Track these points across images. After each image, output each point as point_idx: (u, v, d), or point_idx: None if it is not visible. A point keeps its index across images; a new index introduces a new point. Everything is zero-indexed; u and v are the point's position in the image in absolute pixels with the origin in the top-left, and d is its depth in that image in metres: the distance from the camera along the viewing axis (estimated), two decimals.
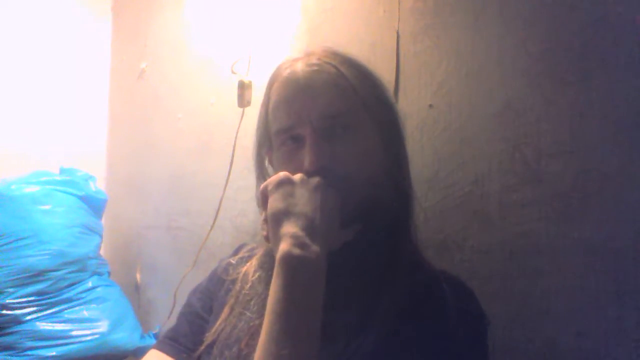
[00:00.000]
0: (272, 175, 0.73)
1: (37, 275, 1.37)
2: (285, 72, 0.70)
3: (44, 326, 1.33)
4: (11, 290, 1.34)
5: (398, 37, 0.92)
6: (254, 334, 0.65)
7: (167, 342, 0.79)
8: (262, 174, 0.76)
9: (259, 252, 0.75)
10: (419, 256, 0.74)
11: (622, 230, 0.64)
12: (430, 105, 0.86)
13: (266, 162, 0.76)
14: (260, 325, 0.59)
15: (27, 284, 1.36)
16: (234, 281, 0.77)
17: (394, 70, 0.91)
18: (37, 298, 1.36)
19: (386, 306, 0.62)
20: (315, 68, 0.68)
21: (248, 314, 0.69)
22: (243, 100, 1.25)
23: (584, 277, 0.67)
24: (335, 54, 0.71)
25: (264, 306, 0.60)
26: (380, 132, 0.69)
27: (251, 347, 0.64)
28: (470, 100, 0.81)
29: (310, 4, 1.12)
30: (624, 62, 0.65)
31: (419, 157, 0.85)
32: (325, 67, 0.68)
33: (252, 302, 0.70)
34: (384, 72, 0.77)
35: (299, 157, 0.66)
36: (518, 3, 0.76)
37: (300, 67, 0.69)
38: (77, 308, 1.40)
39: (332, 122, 0.66)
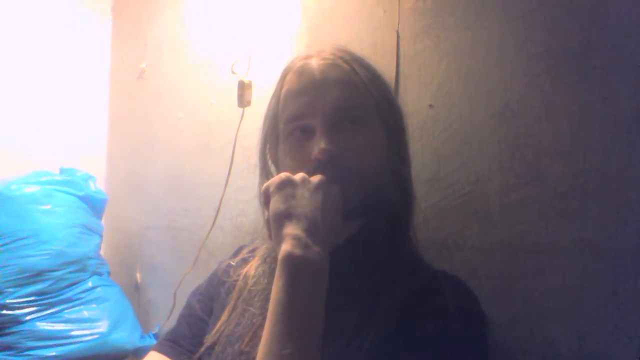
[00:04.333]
0: (275, 172, 0.74)
1: (37, 275, 1.37)
2: (300, 64, 0.71)
3: (44, 326, 1.33)
4: (11, 290, 1.34)
5: (398, 37, 0.92)
6: (257, 332, 0.65)
7: (167, 344, 0.79)
8: (265, 168, 0.76)
9: (261, 249, 0.75)
10: (419, 256, 0.74)
11: (622, 230, 0.64)
12: (430, 105, 0.86)
13: (269, 162, 0.76)
14: (262, 322, 0.59)
15: (27, 284, 1.35)
16: (234, 283, 0.77)
17: (394, 70, 0.91)
18: (37, 298, 1.35)
19: (387, 306, 0.62)
20: (330, 62, 0.70)
21: (252, 309, 0.69)
22: (243, 100, 1.25)
23: (584, 277, 0.67)
24: (348, 52, 0.73)
25: (267, 302, 0.60)
26: (387, 131, 0.71)
27: (252, 346, 0.64)
28: (470, 100, 0.81)
29: (310, 4, 1.12)
30: (624, 62, 0.65)
31: (419, 157, 0.85)
32: (339, 62, 0.70)
33: (255, 298, 0.70)
34: (384, 72, 0.77)
35: (306, 148, 0.67)
36: (518, 3, 0.76)
37: (314, 60, 0.71)
38: (77, 308, 1.40)
39: (343, 115, 0.67)
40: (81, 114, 1.94)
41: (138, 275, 1.70)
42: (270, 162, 0.76)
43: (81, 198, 1.56)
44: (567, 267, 0.69)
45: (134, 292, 1.69)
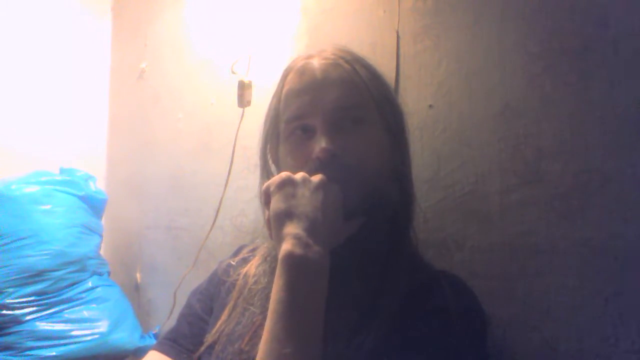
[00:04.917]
0: (275, 172, 0.74)
1: (37, 275, 1.36)
2: (301, 64, 0.72)
3: (44, 326, 1.33)
4: (11, 290, 1.33)
5: (398, 37, 0.92)
6: (257, 331, 0.65)
7: (167, 343, 0.79)
8: (266, 168, 0.77)
9: (262, 249, 0.76)
10: (419, 256, 0.74)
11: (622, 230, 0.64)
12: (430, 105, 0.86)
13: (269, 162, 0.76)
14: (263, 321, 0.59)
15: (27, 284, 1.35)
16: (234, 282, 0.77)
17: (394, 70, 0.91)
18: (37, 298, 1.35)
19: (387, 305, 0.62)
20: (331, 62, 0.70)
21: (252, 308, 0.70)
22: (243, 100, 1.25)
23: (584, 277, 0.67)
24: (349, 52, 0.73)
25: (267, 301, 0.60)
26: (387, 131, 0.71)
27: (252, 345, 0.64)
28: (470, 101, 0.81)
29: (310, 4, 1.12)
30: (624, 62, 0.65)
31: (419, 157, 0.85)
32: (340, 62, 0.70)
33: (255, 298, 0.70)
34: (384, 72, 0.77)
35: (307, 148, 0.67)
36: (518, 3, 0.76)
37: (316, 60, 0.71)
38: (77, 308, 1.40)
39: (344, 114, 0.68)
40: (81, 114, 1.93)
41: (138, 275, 1.70)
42: (270, 162, 0.76)
43: (81, 198, 1.56)
44: (567, 267, 0.69)
45: (134, 292, 1.69)
